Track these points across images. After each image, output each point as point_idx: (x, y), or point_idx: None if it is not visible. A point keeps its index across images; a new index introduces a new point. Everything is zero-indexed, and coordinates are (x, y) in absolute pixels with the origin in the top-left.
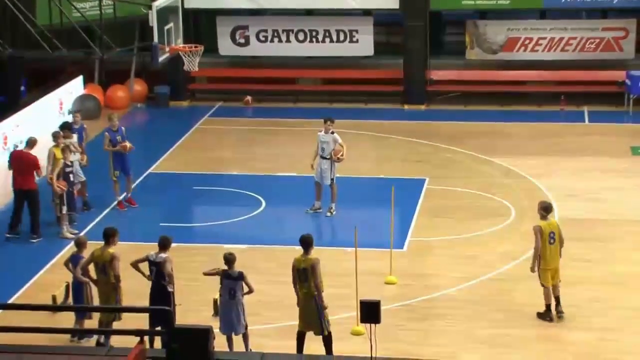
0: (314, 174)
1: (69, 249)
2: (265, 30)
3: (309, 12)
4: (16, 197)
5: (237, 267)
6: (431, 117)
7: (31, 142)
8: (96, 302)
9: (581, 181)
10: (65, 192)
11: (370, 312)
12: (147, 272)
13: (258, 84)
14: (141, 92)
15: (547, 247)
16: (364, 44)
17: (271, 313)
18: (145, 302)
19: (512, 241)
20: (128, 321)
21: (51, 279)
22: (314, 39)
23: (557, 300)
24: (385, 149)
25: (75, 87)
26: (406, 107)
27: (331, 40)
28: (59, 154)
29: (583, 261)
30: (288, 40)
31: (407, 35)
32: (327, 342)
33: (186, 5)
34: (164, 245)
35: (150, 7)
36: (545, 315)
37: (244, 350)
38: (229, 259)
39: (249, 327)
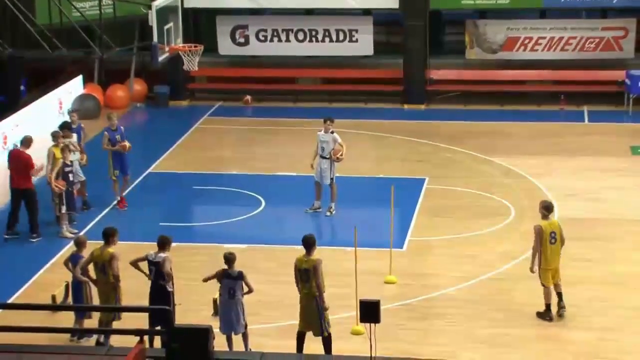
0: (314, 173)
1: (69, 248)
2: (265, 30)
3: (309, 12)
4: (13, 196)
5: (237, 266)
6: (431, 117)
7: (26, 141)
8: (96, 301)
9: (581, 181)
10: (65, 191)
11: (369, 311)
12: (148, 272)
13: (258, 83)
14: (141, 92)
15: (548, 247)
16: (364, 44)
17: (271, 313)
18: (144, 302)
19: (511, 241)
20: (128, 321)
21: (51, 279)
22: (313, 39)
23: (560, 297)
24: (384, 148)
25: (74, 87)
26: (406, 106)
27: (331, 40)
28: (58, 153)
29: (583, 261)
30: (288, 40)
31: (406, 34)
32: (327, 343)
33: (186, 5)
34: (163, 245)
35: (149, 7)
36: (545, 315)
37: (244, 349)
38: (229, 259)
39: (248, 327)
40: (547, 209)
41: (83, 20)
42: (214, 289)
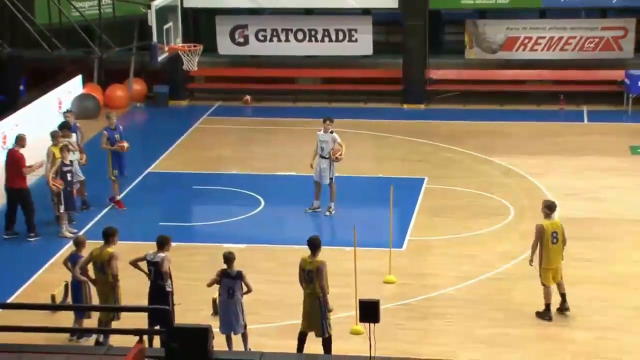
0: (313, 173)
1: (68, 248)
2: (265, 30)
3: (308, 12)
4: (8, 196)
5: (237, 266)
6: (430, 117)
7: (19, 139)
8: (95, 301)
9: (581, 180)
10: (63, 191)
11: (369, 311)
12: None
13: (257, 83)
14: (140, 92)
15: (549, 246)
16: (363, 43)
17: (270, 312)
18: (144, 302)
19: (511, 240)
20: (127, 320)
21: (50, 278)
22: (313, 39)
23: (563, 298)
24: (384, 148)
25: (74, 87)
26: (405, 106)
27: (330, 40)
28: (58, 153)
29: (583, 260)
30: (287, 40)
31: (406, 34)
32: (327, 344)
33: (185, 5)
34: (162, 245)
35: (149, 7)
36: (544, 315)
37: (243, 349)
38: (228, 258)
39: (248, 327)
40: (549, 208)
41: (82, 20)
42: (213, 289)
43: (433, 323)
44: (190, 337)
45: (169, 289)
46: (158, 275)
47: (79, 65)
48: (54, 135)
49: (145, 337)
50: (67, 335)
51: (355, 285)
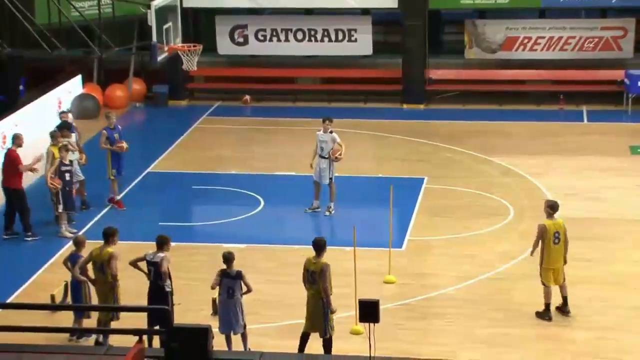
0: (313, 173)
1: (68, 248)
2: (264, 30)
3: (308, 12)
4: (5, 195)
5: (236, 266)
6: (430, 117)
7: (15, 139)
8: (95, 301)
9: (580, 180)
10: (62, 191)
11: (369, 311)
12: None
13: (257, 83)
14: (140, 92)
15: (551, 246)
16: (363, 43)
17: (270, 312)
18: (143, 302)
19: (511, 240)
20: (126, 320)
21: (50, 278)
22: (312, 38)
23: (565, 301)
24: (384, 148)
25: (74, 87)
26: (405, 106)
27: (330, 40)
28: (57, 153)
29: (583, 260)
30: (287, 40)
31: (406, 34)
32: (327, 345)
33: (185, 5)
34: (161, 245)
35: (149, 7)
36: (544, 315)
37: (243, 349)
38: (228, 258)
39: (247, 327)
40: (552, 207)
41: (82, 19)
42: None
43: (433, 323)
44: (190, 337)
45: (168, 289)
46: (157, 276)
47: (78, 65)
48: (53, 135)
49: (144, 337)
50: (67, 335)
51: (355, 285)
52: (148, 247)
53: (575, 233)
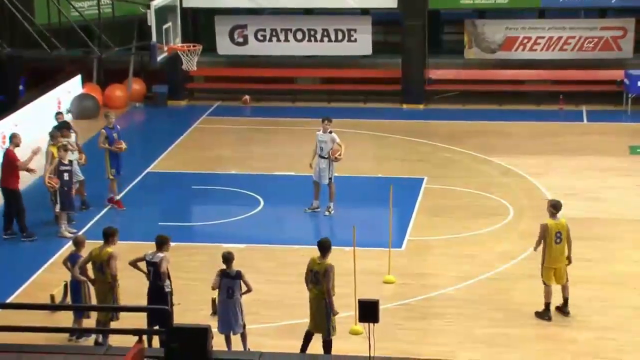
0: (312, 173)
1: (68, 248)
2: (264, 30)
3: (308, 12)
4: (3, 195)
5: (236, 266)
6: (430, 117)
7: (12, 138)
8: (94, 301)
9: (580, 180)
10: (60, 191)
11: (368, 311)
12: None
13: (256, 83)
14: (139, 92)
15: (552, 246)
16: (363, 43)
17: (270, 312)
18: (142, 302)
19: (510, 240)
20: (126, 321)
21: (50, 278)
22: (312, 38)
23: (565, 302)
24: (383, 148)
25: (73, 87)
26: (405, 106)
27: (330, 40)
28: (57, 153)
29: (582, 260)
30: (286, 40)
31: (405, 34)
32: (327, 345)
33: (185, 5)
34: (160, 245)
35: (148, 7)
36: (543, 315)
37: (243, 349)
38: (228, 258)
39: (247, 327)
40: (554, 207)
41: (82, 19)
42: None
43: (432, 323)
44: (190, 337)
45: (168, 289)
46: (157, 276)
47: (78, 65)
48: (52, 135)
49: (144, 337)
50: (67, 335)
51: (355, 285)
52: (148, 247)
53: (575, 233)
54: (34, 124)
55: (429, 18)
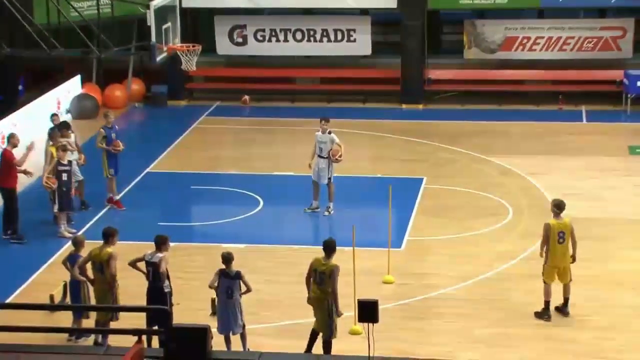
0: (311, 173)
1: (67, 248)
2: (263, 30)
3: (307, 12)
4: (2, 195)
5: (235, 266)
6: (429, 117)
7: (10, 138)
8: (93, 301)
9: (579, 180)
10: (58, 191)
11: (368, 311)
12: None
13: (256, 83)
14: (139, 92)
15: (555, 246)
16: (362, 43)
17: (269, 312)
18: (142, 302)
19: (510, 240)
20: (125, 321)
21: (49, 278)
22: (311, 38)
23: (565, 302)
24: (383, 148)
25: (73, 87)
26: (404, 106)
27: (329, 40)
28: (55, 153)
29: (581, 260)
30: (286, 40)
31: (405, 34)
32: (327, 346)
33: (184, 5)
34: (159, 244)
35: (148, 7)
36: (543, 314)
37: (242, 349)
38: (227, 258)
39: (246, 327)
40: (557, 207)
41: (81, 19)
42: (212, 289)
43: (432, 323)
44: (189, 337)
45: (167, 290)
46: (156, 276)
47: (77, 65)
48: (51, 135)
49: (144, 337)
50: (66, 335)
51: (354, 285)
52: (147, 247)
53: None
54: (33, 124)
55: (429, 18)
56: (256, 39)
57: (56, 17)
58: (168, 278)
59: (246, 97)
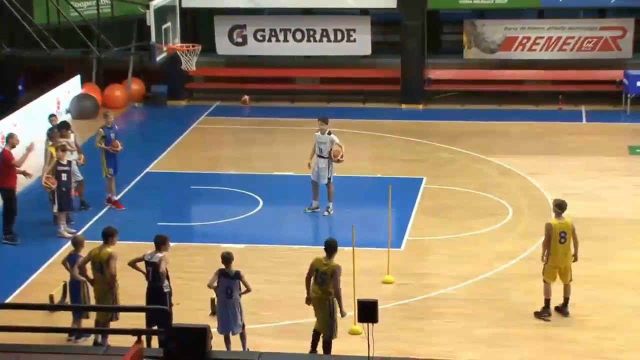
0: (310, 173)
1: (67, 248)
2: (263, 30)
3: (307, 12)
4: (1, 195)
5: (235, 266)
6: (429, 117)
7: (9, 138)
8: (93, 301)
9: (579, 180)
10: (57, 191)
11: (367, 311)
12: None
13: (256, 83)
14: (139, 92)
15: (557, 246)
16: (362, 43)
17: (269, 312)
18: (142, 302)
19: (509, 240)
20: (125, 321)
21: (49, 278)
22: (311, 38)
23: (565, 302)
24: (382, 148)
25: (72, 87)
26: (404, 106)
27: (329, 40)
28: (55, 153)
29: (581, 260)
30: (286, 40)
31: (404, 34)
32: (327, 346)
33: (184, 5)
34: (159, 244)
35: (147, 7)
36: (543, 312)
37: (242, 349)
38: (227, 258)
39: (246, 327)
40: (559, 207)
41: (81, 20)
42: (211, 289)
43: (432, 323)
44: (189, 337)
45: (166, 290)
46: (156, 276)
47: (77, 65)
48: (50, 135)
49: (143, 337)
50: (66, 335)
51: (354, 285)
52: (147, 247)
53: None
54: (33, 124)
55: (428, 18)
56: (256, 39)
57: (56, 17)
58: (168, 278)
59: (246, 97)
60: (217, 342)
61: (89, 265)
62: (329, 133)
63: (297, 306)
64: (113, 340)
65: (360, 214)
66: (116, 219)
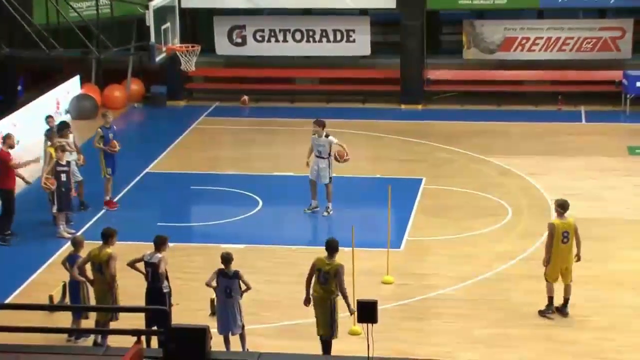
0: (309, 172)
1: (66, 248)
2: (262, 30)
3: (306, 12)
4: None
5: (235, 266)
6: (428, 117)
7: (6, 139)
8: (93, 302)
9: (578, 181)
10: (57, 191)
11: (367, 311)
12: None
13: (255, 83)
14: (138, 92)
15: (559, 246)
16: (361, 44)
17: (268, 313)
18: (141, 303)
19: (509, 240)
20: (125, 321)
21: (48, 279)
22: (311, 39)
23: (565, 302)
24: (382, 148)
25: (72, 87)
26: (403, 106)
27: (328, 40)
28: (54, 153)
29: (582, 260)
30: (285, 40)
31: (404, 34)
32: (327, 346)
33: (183, 5)
34: (158, 245)
35: (147, 7)
36: (547, 310)
37: (241, 350)
38: (227, 259)
39: (246, 327)
40: (562, 206)
41: (80, 20)
42: (211, 289)
43: (431, 323)
44: (188, 337)
45: (166, 290)
46: (155, 276)
47: (76, 65)
48: (48, 136)
49: (143, 338)
50: (65, 335)
51: (353, 285)
52: (146, 248)
53: None
54: (32, 124)
55: (428, 18)
56: (255, 40)
57: (55, 18)
58: (167, 278)
59: (245, 97)
60: (216, 343)
61: (88, 266)
62: (327, 135)
63: (297, 306)
64: (113, 340)
65: (360, 214)
66: (115, 220)
